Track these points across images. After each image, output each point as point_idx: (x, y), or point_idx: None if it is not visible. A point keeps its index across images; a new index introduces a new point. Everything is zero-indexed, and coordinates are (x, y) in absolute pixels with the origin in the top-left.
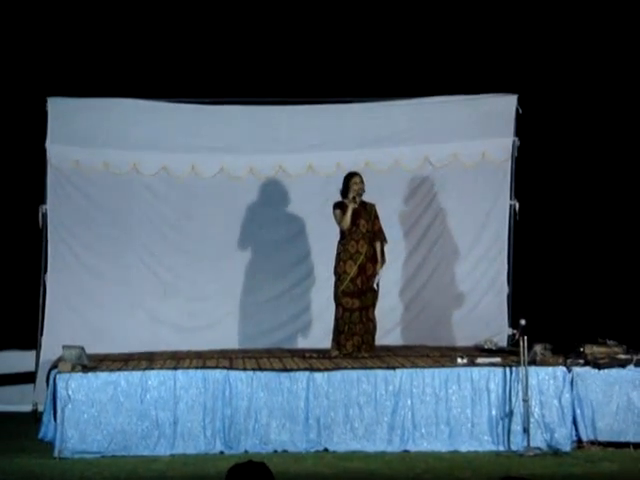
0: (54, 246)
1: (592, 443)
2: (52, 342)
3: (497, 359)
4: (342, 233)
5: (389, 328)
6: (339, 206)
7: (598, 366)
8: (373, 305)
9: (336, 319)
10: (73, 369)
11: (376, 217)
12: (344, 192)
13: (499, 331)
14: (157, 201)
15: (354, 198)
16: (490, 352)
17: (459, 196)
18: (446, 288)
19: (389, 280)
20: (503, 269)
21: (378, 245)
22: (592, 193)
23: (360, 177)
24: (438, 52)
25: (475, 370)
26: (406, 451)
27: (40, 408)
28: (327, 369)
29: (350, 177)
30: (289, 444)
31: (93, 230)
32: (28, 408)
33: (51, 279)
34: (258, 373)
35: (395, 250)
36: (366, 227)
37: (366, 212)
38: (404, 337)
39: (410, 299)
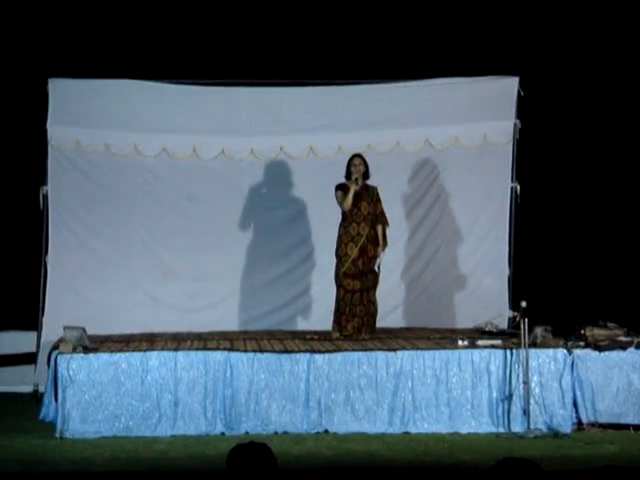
0: (55, 227)
1: (592, 425)
2: (53, 323)
3: (498, 341)
4: (343, 215)
5: (390, 310)
6: (341, 188)
7: (599, 348)
8: (374, 287)
9: (337, 301)
10: (74, 350)
11: (378, 200)
12: (347, 174)
13: (500, 313)
14: (158, 182)
15: (356, 180)
16: (491, 334)
17: (460, 178)
18: (447, 270)
19: (390, 262)
20: (504, 251)
21: (380, 228)
22: (593, 176)
23: (360, 159)
24: (439, 34)
25: (476, 352)
26: (407, 433)
27: (41, 389)
28: (328, 351)
29: (350, 159)
30: (290, 425)
31: (94, 211)
32: (29, 389)
33: (52, 260)
34: (259, 355)
35: (396, 232)
36: (368, 209)
37: (368, 194)
38: (405, 319)
39: (410, 281)
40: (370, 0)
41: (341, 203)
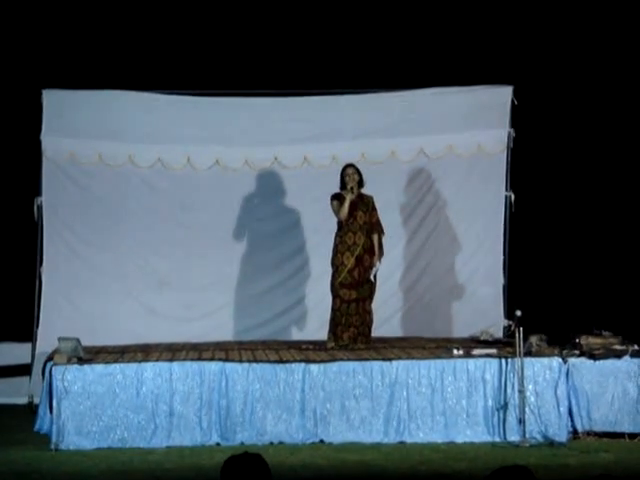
0: (49, 238)
1: (587, 434)
2: (48, 334)
3: (493, 350)
4: (339, 225)
5: (385, 319)
6: (336, 197)
7: (593, 357)
8: (370, 297)
9: (333, 310)
10: (69, 361)
11: (373, 209)
12: (341, 184)
13: (495, 322)
14: (152, 193)
15: (351, 189)
16: (486, 343)
17: (454, 187)
18: (442, 279)
19: (384, 271)
20: (499, 260)
21: (375, 237)
22: (587, 184)
23: (353, 168)
24: (433, 43)
25: (471, 361)
26: (402, 442)
27: (36, 400)
28: (323, 361)
29: (344, 169)
30: (285, 436)
31: (88, 222)
32: (24, 400)
33: (47, 271)
34: (254, 365)
35: (391, 241)
36: (363, 219)
37: (363, 204)
38: (400, 328)
39: (405, 291)
40: (364, 10)
41: (337, 212)
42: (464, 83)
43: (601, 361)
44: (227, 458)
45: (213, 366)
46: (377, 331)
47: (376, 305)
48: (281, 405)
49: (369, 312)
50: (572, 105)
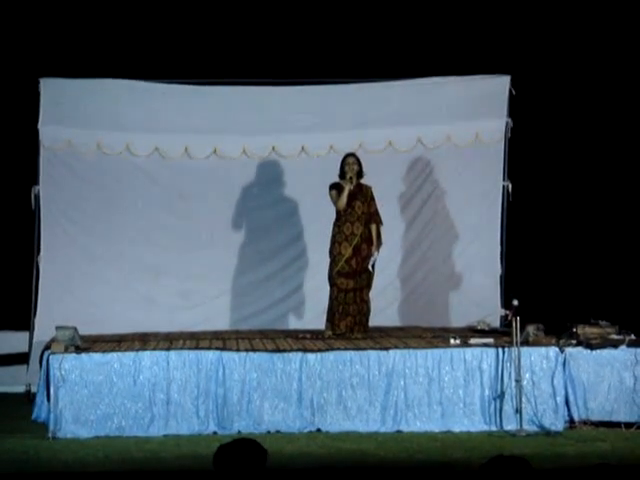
0: (47, 227)
1: (584, 423)
2: (45, 323)
3: (490, 340)
4: (337, 214)
5: (382, 308)
6: (335, 187)
7: (590, 346)
8: (367, 286)
9: (331, 299)
10: (66, 350)
11: (372, 199)
12: (341, 174)
13: (492, 312)
14: (150, 182)
15: (350, 179)
16: (483, 333)
17: (452, 177)
18: (439, 269)
19: (381, 261)
20: (496, 250)
21: (374, 227)
22: (585, 174)
23: (354, 158)
24: (431, 33)
25: (468, 351)
26: (399, 431)
27: (33, 389)
28: (320, 350)
29: (344, 158)
30: (282, 425)
31: (86, 211)
32: (21, 389)
33: (44, 260)
34: (251, 354)
35: (387, 231)
36: (362, 209)
37: (362, 194)
38: (397, 317)
39: (402, 280)
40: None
41: (335, 202)
42: (462, 73)
43: (598, 351)
44: (218, 447)
45: (210, 355)
46: (374, 320)
47: (373, 294)
48: (278, 394)
49: (366, 301)
50: (570, 95)
